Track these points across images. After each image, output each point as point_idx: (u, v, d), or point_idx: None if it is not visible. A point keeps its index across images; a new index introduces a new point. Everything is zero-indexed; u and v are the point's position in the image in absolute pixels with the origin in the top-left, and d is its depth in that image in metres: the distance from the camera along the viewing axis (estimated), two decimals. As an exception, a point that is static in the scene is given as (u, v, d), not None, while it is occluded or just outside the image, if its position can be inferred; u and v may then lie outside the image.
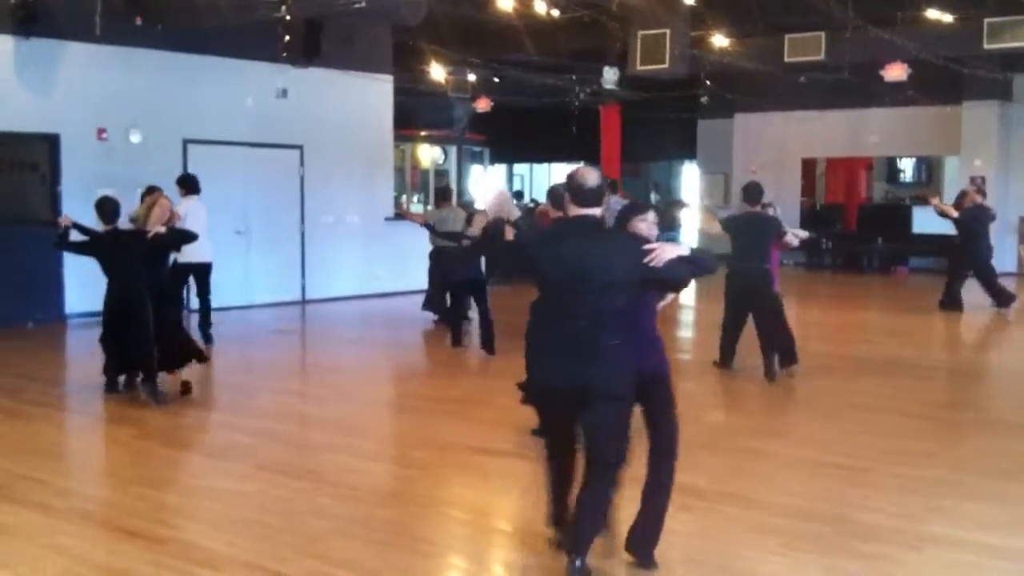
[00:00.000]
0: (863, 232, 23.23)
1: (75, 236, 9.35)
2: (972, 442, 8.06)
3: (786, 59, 16.59)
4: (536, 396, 5.20)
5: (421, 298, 14.30)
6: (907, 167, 26.38)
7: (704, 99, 22.18)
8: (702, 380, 10.22)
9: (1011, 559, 5.39)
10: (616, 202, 12.18)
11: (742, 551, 5.37)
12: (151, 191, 10.33)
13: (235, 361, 11.43)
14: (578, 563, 4.75)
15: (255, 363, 11.62)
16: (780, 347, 9.99)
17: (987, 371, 11.58)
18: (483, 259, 11.53)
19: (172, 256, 10.35)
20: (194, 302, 12.68)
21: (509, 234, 6.20)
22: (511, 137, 25.10)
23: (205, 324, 12.15)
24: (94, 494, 6.49)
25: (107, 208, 9.10)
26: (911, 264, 22.49)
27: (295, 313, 15.48)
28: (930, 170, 26.05)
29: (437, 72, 17.81)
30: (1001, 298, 15.38)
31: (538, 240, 5.25)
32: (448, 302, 13.00)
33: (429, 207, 21.54)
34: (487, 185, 23.60)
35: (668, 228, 16.69)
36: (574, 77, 19.97)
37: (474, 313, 12.85)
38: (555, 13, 14.06)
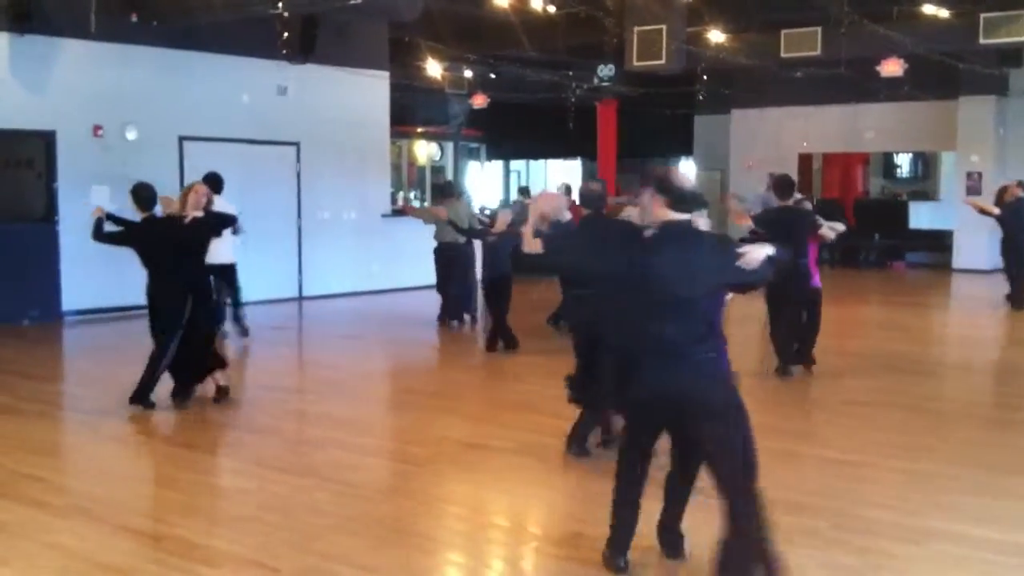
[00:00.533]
0: (860, 227, 23.23)
1: (109, 227, 9.04)
2: (970, 437, 8.06)
3: (782, 55, 16.56)
4: (627, 406, 5.04)
5: (418, 294, 14.25)
6: (904, 162, 26.40)
7: (701, 95, 22.20)
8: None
9: (1010, 553, 5.39)
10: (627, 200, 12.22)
11: (740, 546, 5.36)
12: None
13: (232, 358, 11.41)
14: None
15: (252, 360, 11.62)
16: (806, 345, 9.88)
17: (986, 366, 11.58)
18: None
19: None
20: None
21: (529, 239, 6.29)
22: (508, 133, 25.10)
23: (238, 317, 12.27)
24: (92, 491, 6.47)
25: (143, 195, 8.77)
26: (908, 259, 22.51)
27: (292, 310, 15.47)
28: (927, 165, 26.08)
29: (434, 68, 17.80)
30: (1020, 300, 15.27)
31: (623, 243, 4.88)
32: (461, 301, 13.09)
33: (425, 203, 21.55)
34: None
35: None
36: (571, 73, 19.96)
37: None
38: (551, 9, 14.07)
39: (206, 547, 5.42)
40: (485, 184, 27.04)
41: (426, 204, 21.28)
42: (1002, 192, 15.99)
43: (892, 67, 16.71)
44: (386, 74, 17.28)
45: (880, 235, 22.86)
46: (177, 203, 8.94)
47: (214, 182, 11.71)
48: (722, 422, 4.59)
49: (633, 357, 4.74)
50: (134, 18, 13.64)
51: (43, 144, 13.58)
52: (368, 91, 16.96)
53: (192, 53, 14.55)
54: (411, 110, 20.88)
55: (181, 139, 14.69)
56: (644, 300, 4.63)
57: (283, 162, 15.89)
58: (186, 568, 5.10)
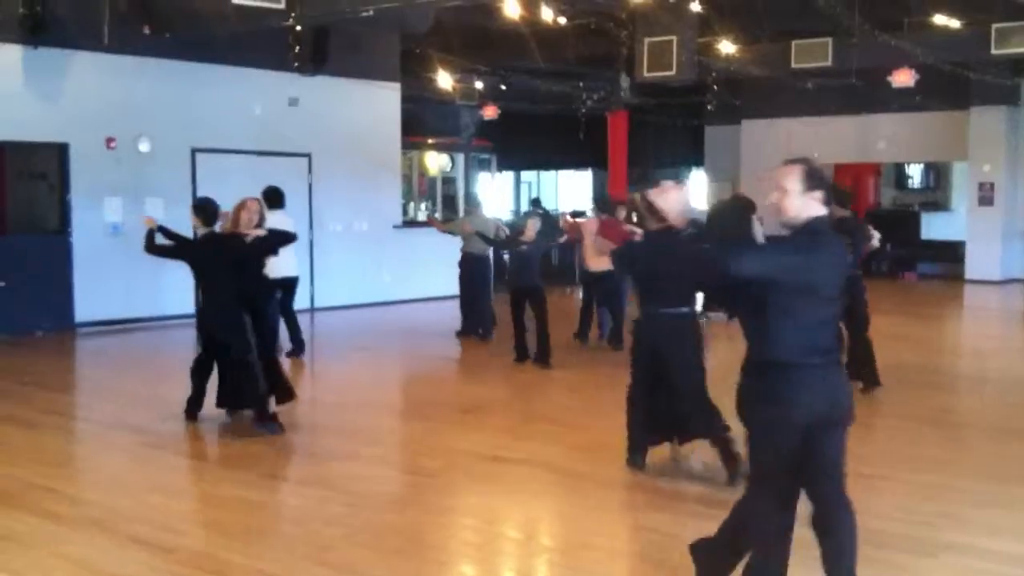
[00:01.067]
0: (872, 238, 23.17)
1: (160, 240, 8.72)
2: (983, 448, 8.03)
3: (793, 65, 16.56)
4: (780, 434, 4.28)
5: (431, 306, 14.14)
6: (915, 173, 26.34)
7: (711, 105, 22.19)
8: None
9: (1022, 565, 5.36)
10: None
11: (753, 558, 5.34)
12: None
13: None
14: None
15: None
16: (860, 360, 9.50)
17: (999, 377, 11.53)
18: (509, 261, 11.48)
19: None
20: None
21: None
22: (518, 144, 25.12)
23: (295, 332, 11.96)
24: (103, 502, 6.48)
25: (210, 210, 8.48)
26: (919, 270, 22.45)
27: (304, 321, 15.42)
28: (938, 176, 26.02)
29: (444, 80, 17.83)
30: None
31: (801, 245, 4.27)
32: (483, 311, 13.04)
33: (437, 214, 21.57)
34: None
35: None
36: (581, 84, 19.99)
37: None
38: (562, 20, 14.08)
39: (218, 558, 5.42)
40: (496, 195, 27.06)
41: (437, 215, 21.30)
42: None
43: (903, 77, 16.69)
44: (397, 85, 17.33)
45: (892, 245, 22.79)
46: (229, 219, 8.68)
47: (274, 197, 11.43)
48: (842, 431, 4.49)
49: (799, 372, 4.24)
50: (147, 30, 13.67)
51: (56, 156, 13.64)
52: (379, 102, 17.00)
53: (204, 65, 14.61)
54: (422, 121, 20.91)
55: (193, 151, 14.74)
56: (814, 306, 4.23)
57: (295, 173, 15.91)
58: (198, 579, 5.10)
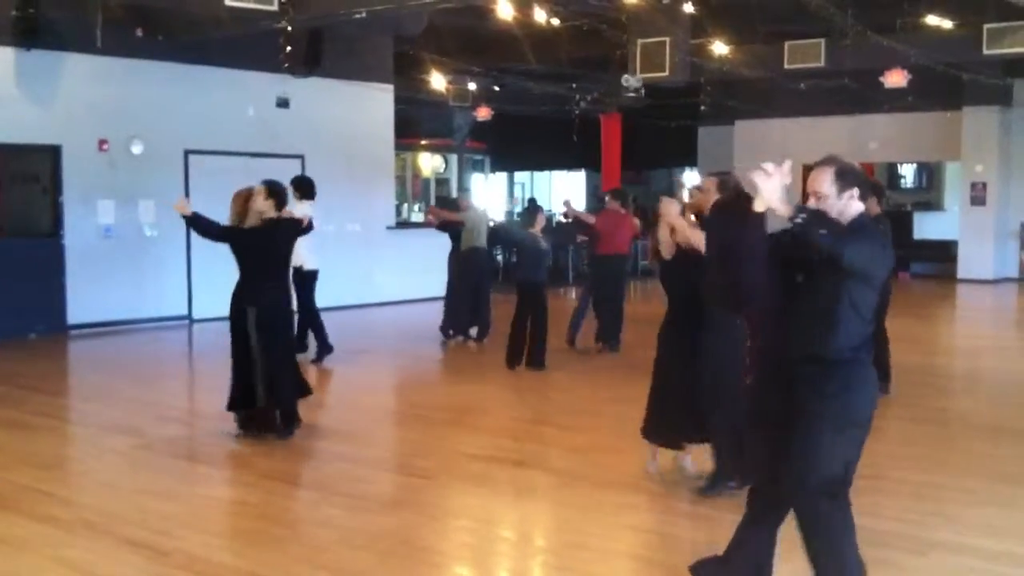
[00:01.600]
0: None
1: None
2: (978, 448, 8.05)
3: (786, 66, 16.60)
4: (857, 430, 4.21)
5: (424, 307, 13.96)
6: (908, 173, 26.41)
7: (704, 106, 22.23)
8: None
9: (1018, 565, 5.38)
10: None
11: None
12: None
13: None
14: None
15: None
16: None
17: (993, 377, 11.56)
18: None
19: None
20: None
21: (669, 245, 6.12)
22: (512, 145, 25.16)
23: (319, 330, 11.70)
24: (98, 505, 6.47)
25: (285, 194, 8.29)
26: (912, 270, 22.49)
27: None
28: (931, 176, 26.09)
29: (438, 81, 17.84)
30: None
31: (877, 237, 4.25)
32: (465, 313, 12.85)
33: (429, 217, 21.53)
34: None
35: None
36: (574, 85, 20.00)
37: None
38: (555, 22, 14.08)
39: (213, 561, 5.41)
40: (489, 196, 27.08)
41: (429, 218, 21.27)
42: None
43: (896, 78, 16.74)
44: (390, 87, 17.33)
45: (885, 245, 22.86)
46: (233, 211, 8.24)
47: (305, 186, 11.23)
48: None
49: (865, 372, 4.23)
50: (140, 33, 13.70)
51: (49, 158, 13.61)
52: (373, 104, 17.00)
53: (197, 67, 14.59)
54: (415, 122, 20.94)
55: (187, 152, 14.72)
56: (872, 298, 4.23)
57: (288, 175, 15.80)
58: (193, 582, 5.10)
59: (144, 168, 14.22)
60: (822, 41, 16.02)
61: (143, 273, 14.28)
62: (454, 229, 13.07)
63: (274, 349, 7.90)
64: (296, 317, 10.31)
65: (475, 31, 16.39)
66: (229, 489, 6.95)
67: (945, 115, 21.17)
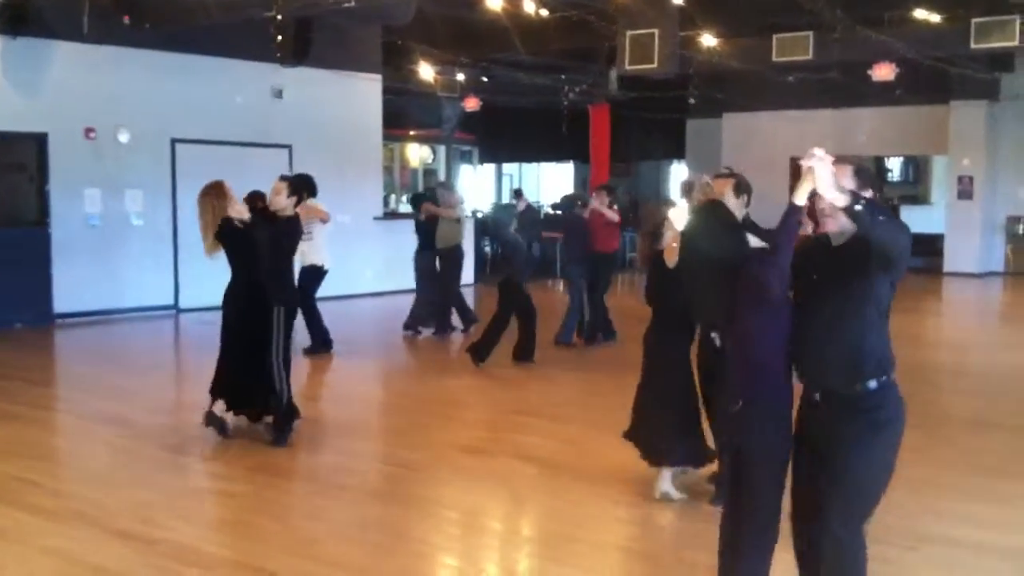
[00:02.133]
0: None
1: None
2: (966, 441, 8.08)
3: (774, 59, 16.60)
4: (897, 445, 4.00)
5: (410, 299, 13.78)
6: (895, 166, 26.49)
7: (693, 99, 22.24)
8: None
9: (1007, 558, 5.42)
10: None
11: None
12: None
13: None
14: None
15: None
16: None
17: (980, 370, 11.62)
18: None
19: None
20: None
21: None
22: (500, 137, 25.13)
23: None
24: (86, 495, 6.45)
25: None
26: (899, 263, 22.52)
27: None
28: (918, 170, 26.17)
29: (426, 72, 17.79)
30: None
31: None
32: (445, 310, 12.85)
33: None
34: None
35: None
36: (563, 77, 19.98)
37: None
38: (544, 13, 14.05)
39: (201, 551, 5.41)
40: (478, 187, 27.06)
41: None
42: None
43: (884, 71, 16.78)
44: (379, 77, 17.29)
45: (871, 239, 22.91)
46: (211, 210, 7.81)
47: (310, 185, 11.01)
48: None
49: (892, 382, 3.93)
50: (127, 21, 13.60)
51: (35, 146, 13.54)
52: (361, 94, 16.96)
53: (185, 56, 14.53)
54: (404, 113, 20.86)
55: (173, 141, 14.66)
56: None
57: (276, 165, 15.82)
58: (181, 572, 5.09)
59: (131, 157, 14.17)
60: (810, 34, 16.02)
61: (130, 263, 14.22)
62: (429, 225, 13.04)
63: (289, 348, 7.75)
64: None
65: (464, 21, 16.35)
66: (218, 480, 6.94)
67: (932, 109, 21.22)
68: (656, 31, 13.72)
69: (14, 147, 13.72)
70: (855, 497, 3.99)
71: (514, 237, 11.49)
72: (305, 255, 10.86)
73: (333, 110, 16.47)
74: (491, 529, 6.09)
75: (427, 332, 13.02)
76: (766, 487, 4.08)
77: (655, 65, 13.93)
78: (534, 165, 31.48)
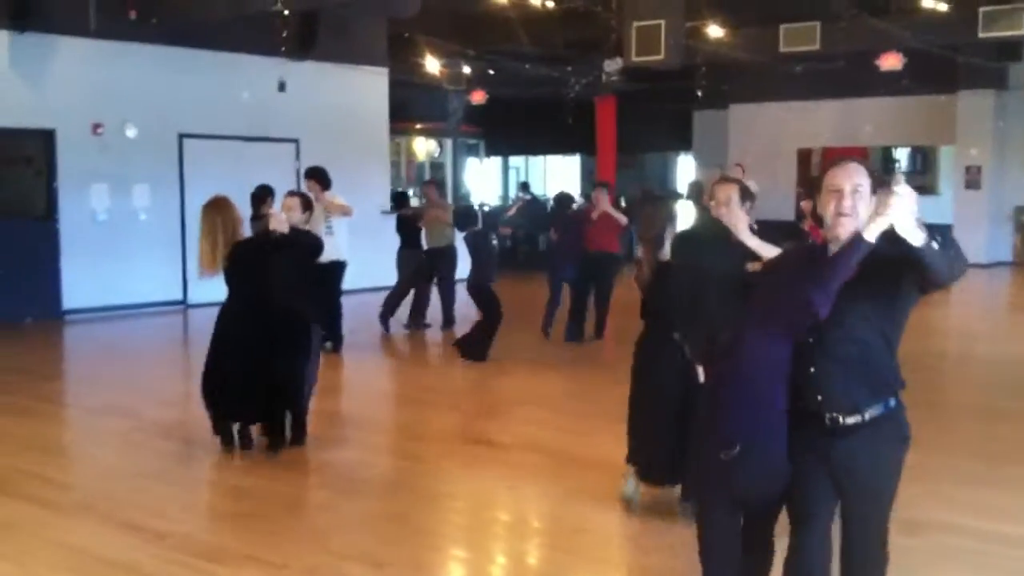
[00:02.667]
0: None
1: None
2: (968, 428, 8.09)
3: (781, 49, 16.55)
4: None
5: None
6: (902, 156, 26.39)
7: (699, 90, 22.18)
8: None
9: (1007, 544, 5.41)
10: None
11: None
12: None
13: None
14: None
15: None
16: None
17: (984, 358, 11.60)
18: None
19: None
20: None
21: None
22: (506, 129, 25.09)
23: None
24: (96, 488, 6.48)
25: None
26: (906, 253, 22.47)
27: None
28: (925, 160, 26.06)
29: (432, 64, 17.79)
30: None
31: None
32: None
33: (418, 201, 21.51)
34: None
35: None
36: (569, 68, 19.94)
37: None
38: (550, 4, 14.06)
39: (211, 544, 5.43)
40: (484, 180, 27.05)
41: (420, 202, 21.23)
42: None
43: (891, 61, 16.72)
44: (385, 70, 17.28)
45: (879, 229, 22.83)
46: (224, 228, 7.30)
47: (325, 178, 11.34)
48: None
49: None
50: (133, 15, 13.59)
51: (43, 142, 13.58)
52: (367, 87, 16.95)
53: (191, 50, 14.54)
54: (410, 106, 20.86)
55: (181, 136, 14.69)
56: None
57: (282, 159, 15.87)
58: (191, 564, 5.11)
59: (138, 152, 14.20)
60: (817, 24, 15.97)
61: (138, 258, 14.25)
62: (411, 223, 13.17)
63: (318, 354, 7.64)
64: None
65: (469, 14, 16.36)
66: (226, 473, 6.95)
67: (940, 99, 21.14)
68: (662, 22, 13.68)
69: (22, 142, 13.76)
70: (887, 512, 3.95)
71: (472, 238, 11.17)
72: (326, 251, 10.78)
73: (339, 104, 16.46)
74: (501, 520, 6.11)
75: (406, 326, 13.03)
76: (769, 526, 3.94)
77: (661, 56, 13.90)
78: (540, 158, 31.45)
